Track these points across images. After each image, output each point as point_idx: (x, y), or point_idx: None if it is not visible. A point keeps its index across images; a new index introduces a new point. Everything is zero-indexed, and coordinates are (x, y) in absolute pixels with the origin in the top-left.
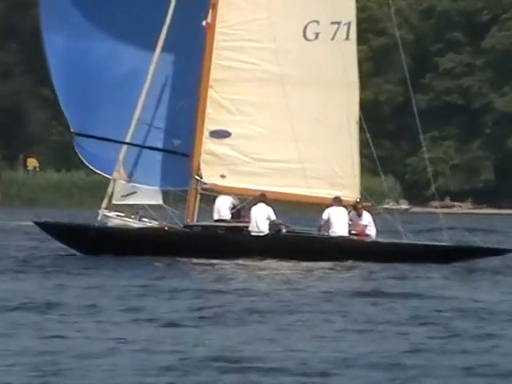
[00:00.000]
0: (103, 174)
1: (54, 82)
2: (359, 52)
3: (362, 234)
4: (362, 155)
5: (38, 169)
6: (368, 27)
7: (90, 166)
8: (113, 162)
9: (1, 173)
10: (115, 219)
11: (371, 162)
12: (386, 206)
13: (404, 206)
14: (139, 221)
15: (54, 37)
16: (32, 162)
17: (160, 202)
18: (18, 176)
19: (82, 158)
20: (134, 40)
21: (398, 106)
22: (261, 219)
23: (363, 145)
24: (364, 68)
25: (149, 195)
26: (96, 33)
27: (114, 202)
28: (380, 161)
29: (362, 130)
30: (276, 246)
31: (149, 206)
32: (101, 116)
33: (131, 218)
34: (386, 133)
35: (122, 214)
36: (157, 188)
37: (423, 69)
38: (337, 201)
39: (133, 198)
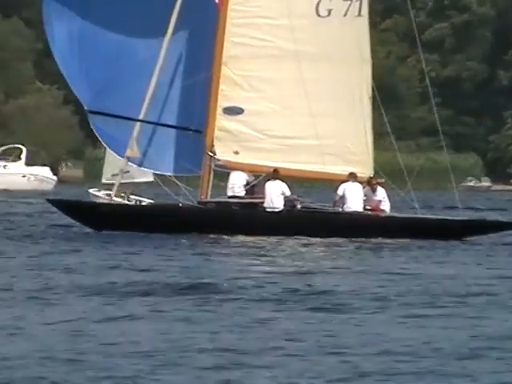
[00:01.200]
0: (116, 155)
1: (60, 61)
2: (440, 29)
3: (377, 209)
4: (444, 132)
5: None
6: (450, 4)
7: (106, 146)
8: (126, 144)
9: (84, 151)
10: (104, 198)
11: (453, 139)
12: (469, 183)
13: (486, 183)
14: (128, 200)
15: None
16: None
17: (151, 179)
18: (101, 154)
19: (99, 137)
20: (149, 21)
21: (481, 83)
22: (275, 195)
23: (445, 122)
24: (446, 45)
25: (140, 173)
26: (110, 16)
27: (104, 180)
28: (462, 138)
29: (443, 106)
30: (291, 221)
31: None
32: (116, 95)
33: (120, 198)
34: (468, 110)
35: (111, 193)
36: (169, 173)
37: (506, 45)
38: (352, 176)
39: (124, 176)
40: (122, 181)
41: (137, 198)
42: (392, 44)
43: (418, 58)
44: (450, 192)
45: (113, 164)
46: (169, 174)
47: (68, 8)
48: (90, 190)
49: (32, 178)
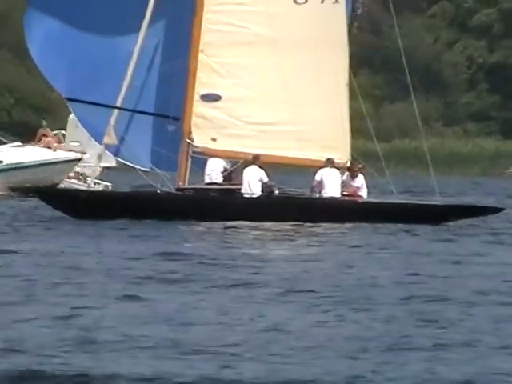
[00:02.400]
0: (95, 141)
1: (36, 49)
2: (488, 15)
3: (355, 195)
4: (490, 118)
5: None
6: None
7: (87, 132)
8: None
9: None
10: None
11: (500, 125)
12: None
13: None
14: (84, 183)
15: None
16: None
17: (113, 164)
18: None
19: (79, 123)
20: (127, 10)
21: None
22: (253, 181)
23: (493, 107)
24: (494, 31)
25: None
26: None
27: None
28: (510, 124)
29: (491, 92)
30: (269, 207)
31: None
32: (93, 83)
33: (77, 181)
34: None
35: (71, 176)
36: (145, 168)
37: None
38: (329, 162)
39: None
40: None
41: (96, 181)
42: (439, 30)
43: (465, 43)
44: (498, 178)
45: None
46: (146, 168)
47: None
48: None
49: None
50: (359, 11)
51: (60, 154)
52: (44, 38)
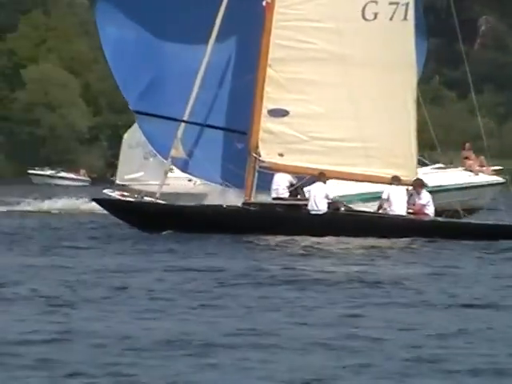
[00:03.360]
0: (161, 156)
1: (111, 62)
2: None
3: (420, 212)
4: None
5: None
6: None
7: (151, 147)
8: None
9: None
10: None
11: None
12: None
13: None
14: None
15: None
16: None
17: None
18: None
19: (144, 137)
20: (197, 24)
21: None
22: (319, 198)
23: None
24: None
25: (154, 176)
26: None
27: (118, 181)
28: None
29: None
30: (335, 224)
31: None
32: (161, 96)
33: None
34: None
35: (127, 194)
36: (215, 183)
37: None
38: (395, 180)
39: (139, 178)
40: (134, 186)
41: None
42: None
43: None
44: None
45: (126, 166)
46: (216, 183)
47: (120, 12)
48: (105, 191)
49: (198, 181)
50: (482, 28)
51: (482, 178)
52: (116, 44)
